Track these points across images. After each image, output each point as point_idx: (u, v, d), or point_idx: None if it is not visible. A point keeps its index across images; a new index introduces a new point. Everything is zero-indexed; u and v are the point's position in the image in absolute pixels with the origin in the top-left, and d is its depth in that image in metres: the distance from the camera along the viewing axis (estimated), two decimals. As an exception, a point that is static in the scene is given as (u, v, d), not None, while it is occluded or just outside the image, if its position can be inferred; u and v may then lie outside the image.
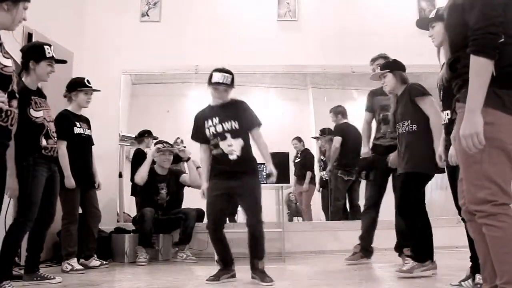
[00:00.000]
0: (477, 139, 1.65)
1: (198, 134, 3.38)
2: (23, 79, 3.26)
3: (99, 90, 4.28)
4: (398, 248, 3.97)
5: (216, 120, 3.28)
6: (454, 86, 1.86)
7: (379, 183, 4.03)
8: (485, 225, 1.71)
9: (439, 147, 2.97)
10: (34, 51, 3.32)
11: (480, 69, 1.66)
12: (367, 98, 4.28)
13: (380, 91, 4.07)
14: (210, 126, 3.29)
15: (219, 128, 3.26)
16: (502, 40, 1.66)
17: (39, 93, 3.35)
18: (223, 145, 3.24)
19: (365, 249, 4.07)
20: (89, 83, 4.18)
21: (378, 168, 4.00)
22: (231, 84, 3.28)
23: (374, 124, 4.22)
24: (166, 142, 4.94)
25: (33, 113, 3.20)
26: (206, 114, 3.35)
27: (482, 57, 1.65)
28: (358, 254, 4.04)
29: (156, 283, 3.38)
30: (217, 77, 3.26)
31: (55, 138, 3.32)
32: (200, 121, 3.37)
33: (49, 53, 3.35)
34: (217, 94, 3.29)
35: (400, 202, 3.48)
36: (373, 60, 4.16)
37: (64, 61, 3.58)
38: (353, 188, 5.44)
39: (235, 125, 3.25)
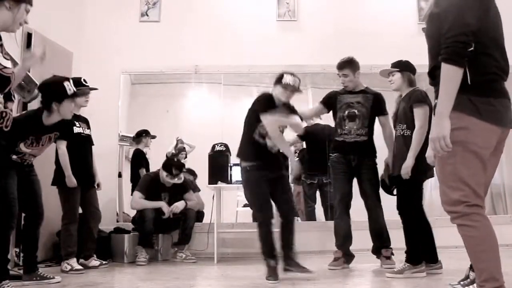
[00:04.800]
0: (444, 142, 1.71)
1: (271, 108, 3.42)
2: (43, 118, 3.32)
3: (96, 89, 4.28)
4: (376, 251, 3.95)
5: None
6: (435, 92, 1.90)
7: (344, 185, 3.99)
8: (459, 225, 1.77)
9: (410, 159, 3.27)
10: (55, 91, 3.34)
11: (449, 76, 1.74)
12: (326, 96, 4.20)
13: (344, 91, 4.10)
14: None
15: None
16: (472, 49, 1.73)
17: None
18: (270, 142, 3.44)
19: (347, 254, 3.95)
20: (86, 82, 4.17)
21: (341, 168, 3.99)
22: (298, 89, 3.47)
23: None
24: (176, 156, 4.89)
25: None
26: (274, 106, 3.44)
27: (451, 65, 1.73)
28: (341, 260, 3.91)
29: (156, 283, 3.38)
30: (289, 79, 3.42)
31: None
32: (272, 103, 3.44)
33: (70, 89, 3.38)
34: (286, 95, 3.44)
35: (398, 204, 3.46)
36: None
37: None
38: (323, 190, 5.42)
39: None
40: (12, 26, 2.53)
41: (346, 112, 4.01)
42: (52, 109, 3.31)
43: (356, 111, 3.98)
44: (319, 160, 5.08)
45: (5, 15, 2.46)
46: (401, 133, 3.45)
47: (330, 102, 4.14)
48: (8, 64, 2.52)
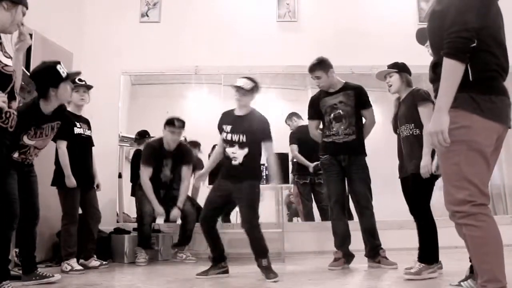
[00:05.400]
0: (442, 137, 1.71)
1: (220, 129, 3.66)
2: (41, 106, 3.28)
3: (91, 86, 4.24)
4: (372, 252, 3.89)
5: (228, 128, 3.56)
6: (434, 90, 1.91)
7: (338, 186, 3.99)
8: (465, 225, 1.76)
9: (426, 156, 3.21)
10: (49, 76, 3.28)
11: (451, 71, 1.74)
12: (310, 106, 4.20)
13: (324, 93, 4.08)
14: (224, 131, 3.60)
15: (229, 137, 3.53)
16: (474, 45, 1.73)
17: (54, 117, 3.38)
18: (229, 151, 3.52)
19: (347, 254, 3.94)
20: (81, 80, 4.15)
21: (333, 169, 3.99)
22: (250, 90, 3.51)
23: None
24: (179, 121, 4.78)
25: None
26: (225, 119, 3.64)
27: (453, 60, 1.73)
28: (341, 260, 3.90)
29: (156, 283, 3.38)
30: (239, 81, 3.52)
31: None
32: (221, 121, 3.68)
33: (63, 72, 3.34)
34: (237, 97, 3.52)
35: (411, 204, 3.44)
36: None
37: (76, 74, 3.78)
38: (315, 190, 5.41)
39: (242, 138, 3.49)
40: (10, 28, 2.54)
41: (332, 115, 4.00)
42: (50, 95, 3.28)
43: (340, 111, 3.97)
44: (309, 160, 5.19)
45: (3, 16, 2.47)
46: (410, 132, 3.41)
47: (316, 111, 4.13)
48: (8, 62, 2.53)
